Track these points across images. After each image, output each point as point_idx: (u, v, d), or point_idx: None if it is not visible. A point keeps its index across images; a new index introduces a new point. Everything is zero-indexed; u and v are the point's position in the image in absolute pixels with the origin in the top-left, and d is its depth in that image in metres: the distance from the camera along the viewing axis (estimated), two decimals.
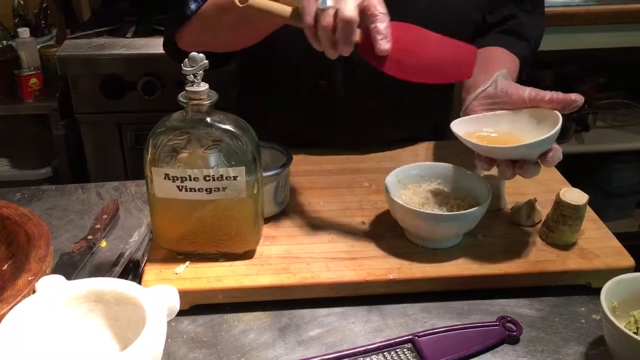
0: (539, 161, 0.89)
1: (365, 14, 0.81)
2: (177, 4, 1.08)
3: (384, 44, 0.82)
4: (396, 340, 0.81)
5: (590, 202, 0.94)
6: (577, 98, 0.88)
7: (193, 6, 1.06)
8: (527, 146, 0.86)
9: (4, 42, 2.23)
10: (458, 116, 0.99)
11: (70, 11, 2.35)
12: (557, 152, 0.88)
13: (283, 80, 1.21)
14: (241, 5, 0.83)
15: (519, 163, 0.88)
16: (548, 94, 0.90)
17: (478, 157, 0.92)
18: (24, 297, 0.76)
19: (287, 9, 0.85)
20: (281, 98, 1.24)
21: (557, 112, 0.89)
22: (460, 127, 0.94)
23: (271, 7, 0.85)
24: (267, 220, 0.99)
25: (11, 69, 2.08)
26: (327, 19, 0.80)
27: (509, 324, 0.83)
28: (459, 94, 1.42)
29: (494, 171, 0.93)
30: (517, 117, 0.94)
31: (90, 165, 2.10)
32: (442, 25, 1.12)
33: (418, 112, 1.24)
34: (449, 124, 0.95)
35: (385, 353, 0.80)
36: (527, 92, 0.93)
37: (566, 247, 0.94)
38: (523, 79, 1.13)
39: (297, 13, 0.83)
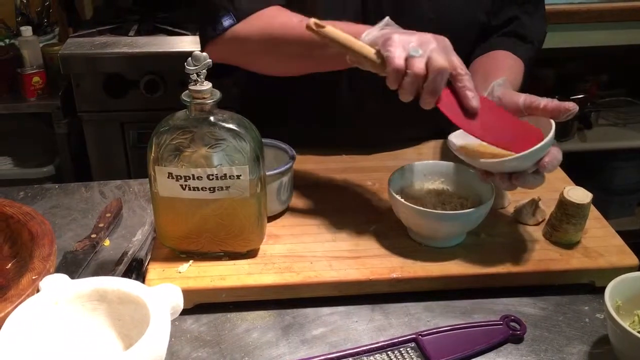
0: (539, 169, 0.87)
1: (450, 73, 0.84)
2: (208, 20, 1.05)
3: (475, 102, 0.85)
4: (400, 339, 0.81)
5: (592, 201, 0.94)
6: (570, 107, 0.87)
7: (226, 23, 1.03)
8: (515, 159, 0.85)
9: (7, 41, 2.23)
10: None
11: (72, 10, 2.35)
12: (556, 156, 0.86)
13: (286, 83, 1.21)
14: (315, 30, 0.83)
15: (515, 175, 0.87)
16: (542, 102, 0.89)
17: (476, 169, 0.92)
18: (28, 296, 0.76)
19: (369, 49, 0.85)
20: (284, 101, 1.24)
21: (551, 120, 0.87)
22: (459, 138, 0.94)
23: (350, 42, 0.84)
24: (271, 219, 0.99)
25: (14, 68, 2.08)
26: (420, 66, 0.82)
27: (512, 323, 0.83)
28: None
29: None
30: None
31: (93, 163, 2.10)
32: (446, 26, 1.12)
33: (421, 114, 1.24)
34: (452, 125, 0.95)
35: (388, 352, 0.79)
36: (522, 99, 0.91)
37: (570, 246, 0.94)
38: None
39: (380, 55, 0.84)
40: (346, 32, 0.85)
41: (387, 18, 0.89)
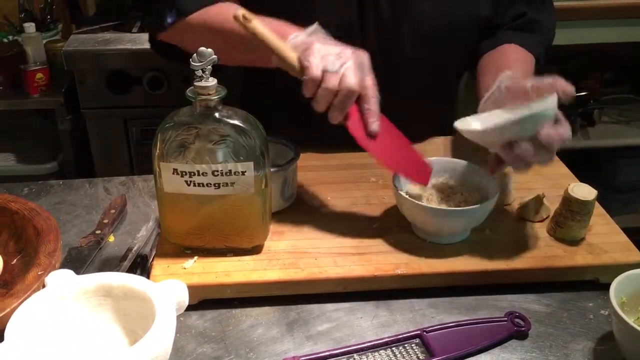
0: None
1: (360, 93, 0.87)
2: (155, 14, 1.10)
3: (374, 126, 0.89)
4: (404, 335, 0.81)
5: (596, 198, 0.94)
6: (569, 90, 0.87)
7: (169, 20, 1.07)
8: (514, 122, 0.85)
9: (10, 37, 2.23)
10: (464, 114, 0.98)
11: (75, 6, 2.35)
12: (557, 130, 0.84)
13: (286, 81, 1.21)
14: (242, 23, 0.85)
15: (517, 144, 0.86)
16: (547, 81, 0.89)
17: (489, 160, 0.93)
18: (34, 291, 0.76)
19: (291, 53, 0.87)
20: (285, 99, 1.24)
21: (555, 94, 0.87)
22: (464, 124, 0.94)
23: (274, 43, 0.86)
24: (275, 215, 0.98)
25: (17, 64, 2.08)
26: (334, 82, 0.85)
27: (517, 320, 0.83)
28: (465, 95, 1.42)
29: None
30: (522, 108, 0.90)
31: (96, 160, 2.10)
32: (446, 22, 1.12)
33: (424, 112, 1.24)
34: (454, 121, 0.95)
35: (393, 348, 0.80)
36: (530, 83, 0.91)
37: (574, 242, 0.94)
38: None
39: (300, 62, 0.87)
40: (275, 31, 0.87)
41: (316, 24, 0.91)
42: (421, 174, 0.92)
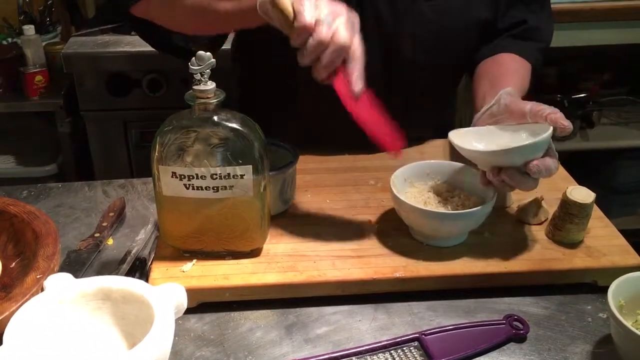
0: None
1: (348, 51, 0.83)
2: None
3: (359, 84, 0.84)
4: (403, 338, 0.81)
5: (595, 200, 0.94)
6: (565, 124, 0.87)
7: None
8: (503, 152, 0.86)
9: (9, 40, 2.24)
10: (463, 116, 0.99)
11: (74, 8, 2.35)
12: (545, 163, 0.86)
13: (284, 81, 1.21)
14: None
15: (504, 169, 0.88)
16: (547, 111, 0.89)
17: (480, 175, 0.93)
18: (33, 295, 0.76)
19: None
20: (283, 99, 1.24)
21: (551, 126, 0.88)
22: (458, 137, 0.95)
23: None
24: (274, 218, 0.98)
25: (16, 67, 2.08)
26: (326, 33, 0.81)
27: (515, 323, 0.83)
28: (464, 95, 1.42)
29: None
30: (516, 132, 0.93)
31: (95, 162, 2.10)
32: (446, 25, 1.12)
33: (424, 112, 1.24)
34: (455, 124, 0.96)
35: (392, 351, 0.80)
36: (529, 106, 0.92)
37: (573, 245, 0.94)
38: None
39: (294, 10, 0.82)
40: None
41: None
42: (394, 145, 0.89)
